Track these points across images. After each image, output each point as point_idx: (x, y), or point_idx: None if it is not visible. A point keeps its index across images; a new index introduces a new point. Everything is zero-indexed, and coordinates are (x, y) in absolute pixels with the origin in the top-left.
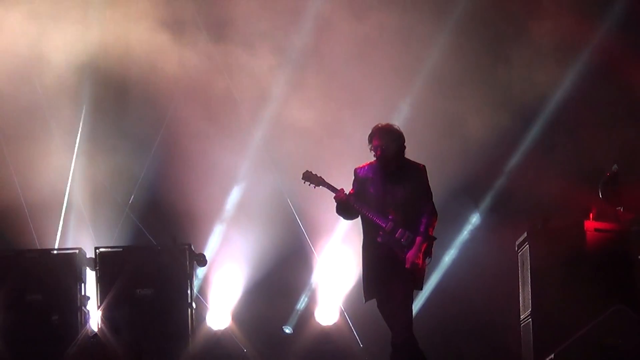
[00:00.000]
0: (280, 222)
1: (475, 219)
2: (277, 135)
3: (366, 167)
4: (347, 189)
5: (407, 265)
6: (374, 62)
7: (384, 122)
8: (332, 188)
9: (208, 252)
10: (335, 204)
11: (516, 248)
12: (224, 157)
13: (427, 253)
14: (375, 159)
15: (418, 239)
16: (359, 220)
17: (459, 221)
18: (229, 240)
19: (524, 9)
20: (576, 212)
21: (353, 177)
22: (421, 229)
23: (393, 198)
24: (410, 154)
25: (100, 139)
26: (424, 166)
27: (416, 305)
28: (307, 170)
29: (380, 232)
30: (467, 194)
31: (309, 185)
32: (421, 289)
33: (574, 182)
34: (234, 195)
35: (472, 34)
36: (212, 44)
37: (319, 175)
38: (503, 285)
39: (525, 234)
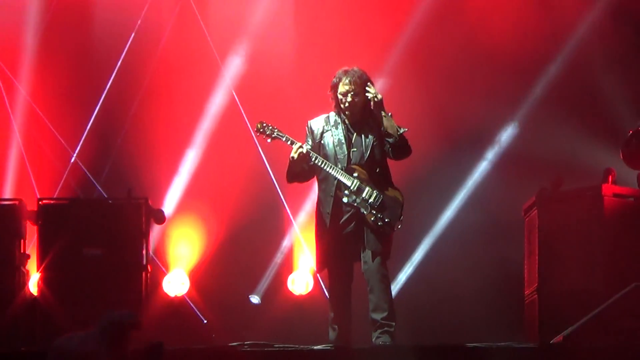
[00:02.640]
0: (251, 177)
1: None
2: (251, 81)
3: (322, 120)
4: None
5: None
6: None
7: (348, 67)
8: (290, 141)
9: (167, 208)
10: (290, 159)
11: (523, 213)
12: (188, 102)
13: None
14: (335, 108)
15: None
16: None
17: (455, 177)
18: (191, 196)
19: None
20: (593, 175)
21: (307, 132)
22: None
23: (358, 154)
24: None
25: (47, 67)
26: (391, 114)
27: (402, 277)
28: (260, 121)
29: (346, 192)
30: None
31: (264, 137)
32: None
33: (591, 139)
34: (199, 145)
35: None
36: None
37: (274, 126)
38: (507, 254)
39: (533, 198)
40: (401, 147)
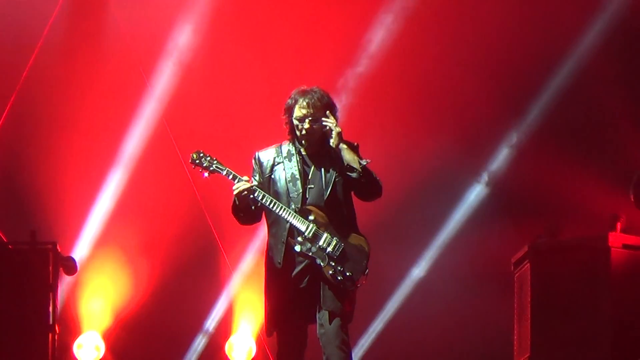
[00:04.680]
0: (182, 217)
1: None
2: (184, 104)
3: (273, 150)
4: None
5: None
6: None
7: (306, 86)
8: (232, 175)
9: (78, 255)
10: (234, 198)
11: (512, 267)
12: (107, 126)
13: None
14: (289, 136)
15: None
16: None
17: (433, 221)
18: (108, 241)
19: None
20: (598, 221)
21: (254, 165)
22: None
23: (316, 192)
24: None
25: None
26: (357, 145)
27: (366, 342)
28: (197, 151)
29: (299, 238)
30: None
31: (200, 170)
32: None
33: (596, 180)
34: (119, 179)
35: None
36: None
37: (212, 157)
38: (493, 316)
39: (525, 249)
40: (368, 184)
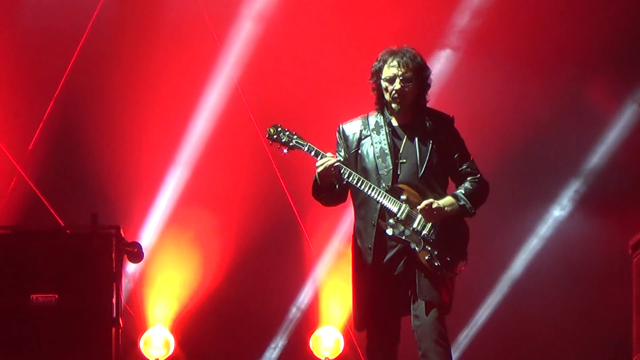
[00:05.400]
0: (259, 197)
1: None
2: (260, 71)
3: (359, 122)
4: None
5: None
6: None
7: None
8: (314, 151)
9: (145, 241)
10: (315, 176)
11: (630, 250)
12: (174, 97)
13: (452, 224)
14: (377, 105)
15: (447, 199)
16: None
17: (533, 209)
18: (178, 224)
19: None
20: None
21: (338, 139)
22: (456, 191)
23: (409, 167)
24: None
25: None
26: (453, 117)
27: (465, 339)
28: (274, 125)
29: (391, 220)
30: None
31: (278, 147)
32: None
33: None
34: (190, 155)
35: None
36: None
37: (292, 132)
38: (607, 309)
39: None
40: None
